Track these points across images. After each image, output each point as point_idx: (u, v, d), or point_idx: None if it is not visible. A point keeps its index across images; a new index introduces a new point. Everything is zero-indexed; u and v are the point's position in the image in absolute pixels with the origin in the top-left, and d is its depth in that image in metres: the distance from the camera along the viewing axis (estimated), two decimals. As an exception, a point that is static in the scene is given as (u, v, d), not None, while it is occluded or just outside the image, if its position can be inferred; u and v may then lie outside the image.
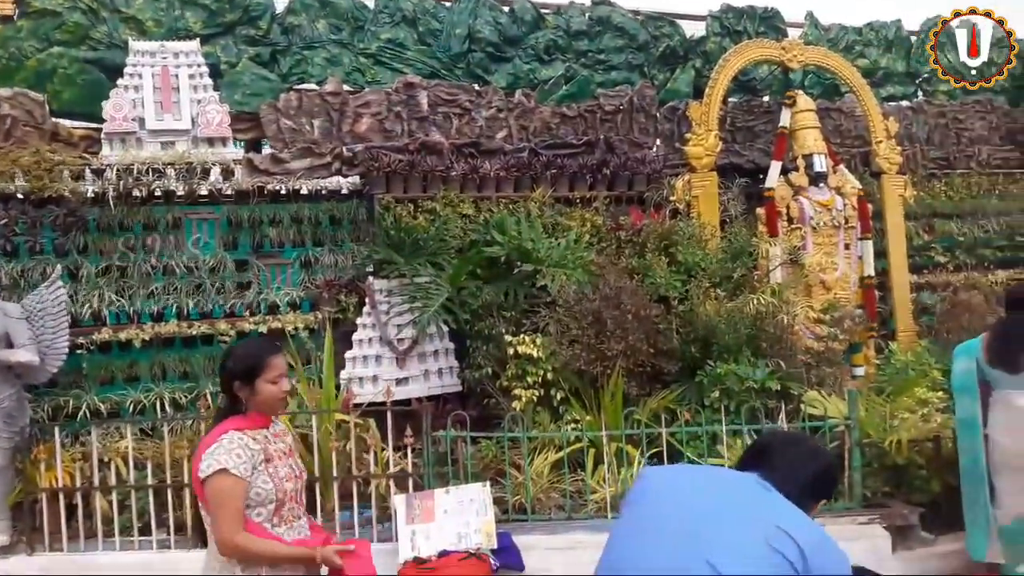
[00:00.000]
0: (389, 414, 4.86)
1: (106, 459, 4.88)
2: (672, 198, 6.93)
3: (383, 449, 4.94)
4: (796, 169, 7.13)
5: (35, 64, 6.59)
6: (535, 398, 5.56)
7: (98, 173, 6.10)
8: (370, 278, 6.15)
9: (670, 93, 8.12)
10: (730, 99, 7.79)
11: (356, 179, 6.57)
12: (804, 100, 7.38)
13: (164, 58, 6.54)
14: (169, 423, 5.17)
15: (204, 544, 2.64)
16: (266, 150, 6.83)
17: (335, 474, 4.80)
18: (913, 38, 9.21)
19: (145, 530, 4.75)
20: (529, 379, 5.58)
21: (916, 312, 7.58)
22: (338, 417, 5.14)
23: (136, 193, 6.05)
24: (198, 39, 6.78)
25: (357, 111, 6.92)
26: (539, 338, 5.67)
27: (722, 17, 8.49)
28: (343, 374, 5.90)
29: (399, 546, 4.37)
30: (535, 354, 5.58)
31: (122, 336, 5.78)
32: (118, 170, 6.05)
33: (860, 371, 6.80)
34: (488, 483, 4.65)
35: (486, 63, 7.73)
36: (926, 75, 9.03)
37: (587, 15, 8.12)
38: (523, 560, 4.42)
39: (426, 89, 7.10)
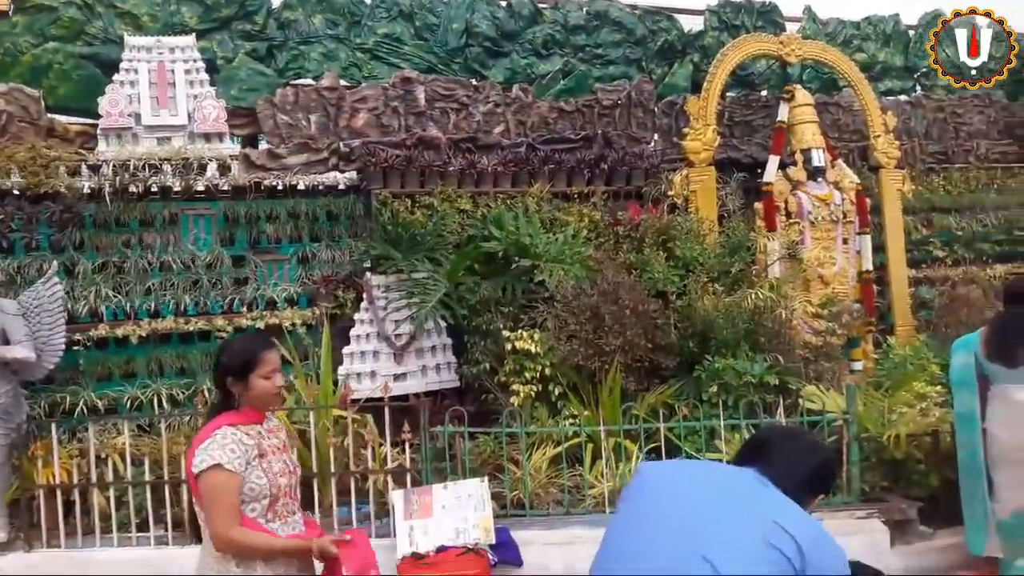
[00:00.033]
0: (387, 410, 4.85)
1: (103, 455, 4.87)
2: (670, 193, 6.92)
3: (381, 445, 4.94)
4: (794, 164, 7.12)
5: (30, 59, 6.57)
6: (533, 393, 5.56)
7: (94, 169, 6.08)
8: (367, 274, 6.14)
9: (668, 88, 8.11)
10: (728, 94, 7.78)
11: (353, 174, 6.56)
12: (802, 94, 7.37)
13: (160, 53, 6.52)
14: (166, 419, 5.17)
15: (200, 540, 2.63)
16: (263, 145, 6.81)
17: (333, 470, 4.79)
18: (911, 32, 9.20)
19: (143, 526, 4.74)
20: (527, 374, 5.58)
21: (914, 306, 7.58)
22: (336, 413, 5.13)
23: (132, 189, 6.04)
24: (194, 34, 6.76)
25: (354, 106, 6.90)
26: (537, 333, 5.67)
27: (720, 11, 8.48)
28: (341, 370, 5.89)
29: (397, 542, 4.37)
30: (533, 349, 5.58)
31: (119, 332, 5.78)
32: (114, 166, 6.04)
33: (858, 365, 6.80)
34: (486, 478, 4.66)
35: (483, 58, 7.71)
36: (924, 69, 9.01)
37: (584, 10, 8.10)
38: (521, 555, 4.43)
39: (423, 84, 7.08)
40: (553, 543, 4.50)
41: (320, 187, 6.53)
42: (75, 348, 5.63)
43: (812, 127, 7.19)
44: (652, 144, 7.52)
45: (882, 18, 9.13)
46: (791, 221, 6.97)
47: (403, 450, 4.86)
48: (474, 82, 7.40)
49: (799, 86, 7.61)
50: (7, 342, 5.02)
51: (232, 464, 2.46)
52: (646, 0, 8.38)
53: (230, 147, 6.58)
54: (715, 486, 2.05)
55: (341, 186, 6.58)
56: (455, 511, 4.44)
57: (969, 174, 8.58)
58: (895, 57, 9.08)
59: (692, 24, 8.47)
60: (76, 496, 4.85)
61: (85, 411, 5.42)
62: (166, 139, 6.38)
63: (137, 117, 6.36)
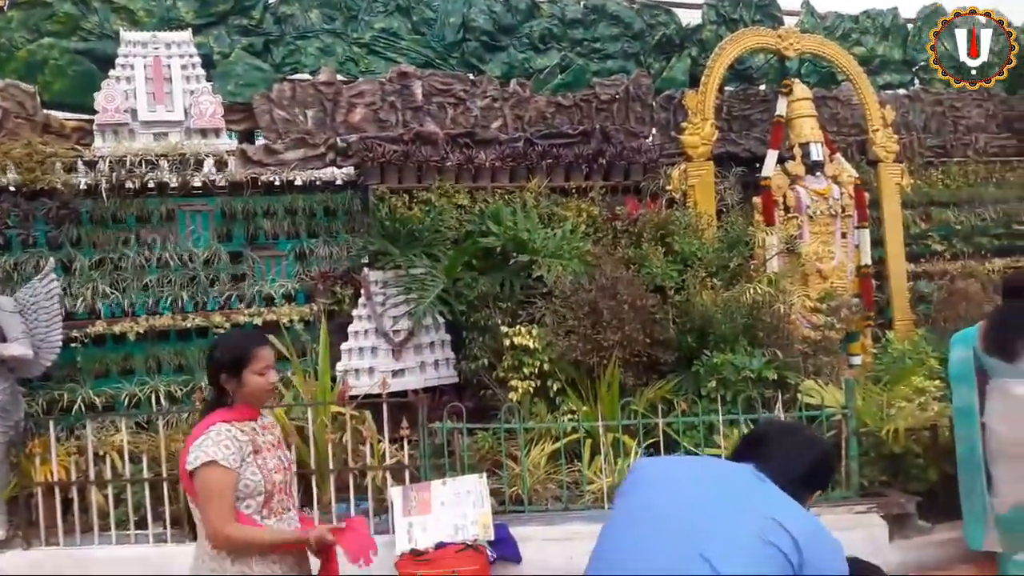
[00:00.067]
0: (385, 406, 4.84)
1: (101, 453, 4.87)
2: (668, 188, 6.91)
3: (379, 441, 4.93)
4: (793, 158, 7.11)
5: (26, 55, 6.53)
6: (531, 389, 5.55)
7: (91, 165, 6.06)
8: (365, 269, 6.13)
9: (666, 82, 8.08)
10: (726, 88, 7.75)
11: (350, 170, 6.53)
12: (800, 88, 7.35)
13: (156, 48, 6.48)
14: (164, 416, 5.16)
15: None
16: (260, 141, 6.78)
17: (331, 466, 4.79)
18: (910, 26, 9.17)
19: (141, 524, 4.74)
20: (525, 370, 5.57)
21: (913, 301, 7.58)
22: (334, 409, 5.13)
23: (129, 185, 6.01)
24: (190, 29, 6.72)
25: (351, 101, 6.87)
26: (535, 329, 5.66)
27: (718, 5, 8.44)
28: (339, 366, 5.88)
29: (396, 538, 4.37)
30: (531, 345, 5.57)
31: (116, 329, 5.77)
32: (111, 162, 6.01)
33: (857, 360, 6.79)
34: (485, 474, 4.65)
35: (481, 52, 7.68)
36: (923, 63, 8.99)
37: (582, 4, 8.06)
38: (520, 551, 4.43)
39: (420, 79, 7.05)
40: (552, 539, 4.49)
41: (317, 183, 6.51)
42: (72, 345, 5.62)
43: (810, 121, 7.18)
44: (650, 139, 7.50)
45: (880, 12, 9.10)
46: (789, 215, 6.96)
47: (401, 446, 4.86)
48: (471, 77, 7.37)
49: (797, 80, 7.60)
50: (4, 339, 5.01)
51: (227, 460, 2.46)
52: (644, -6, 8.36)
53: (227, 143, 6.56)
54: (712, 482, 2.04)
55: (338, 181, 6.55)
56: (454, 507, 4.44)
57: (968, 168, 8.58)
58: (893, 51, 9.05)
59: (690, 18, 8.44)
60: (74, 494, 4.85)
61: (83, 408, 5.42)
62: (162, 135, 6.36)
63: (133, 113, 6.33)
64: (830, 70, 8.28)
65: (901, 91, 8.90)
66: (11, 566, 4.63)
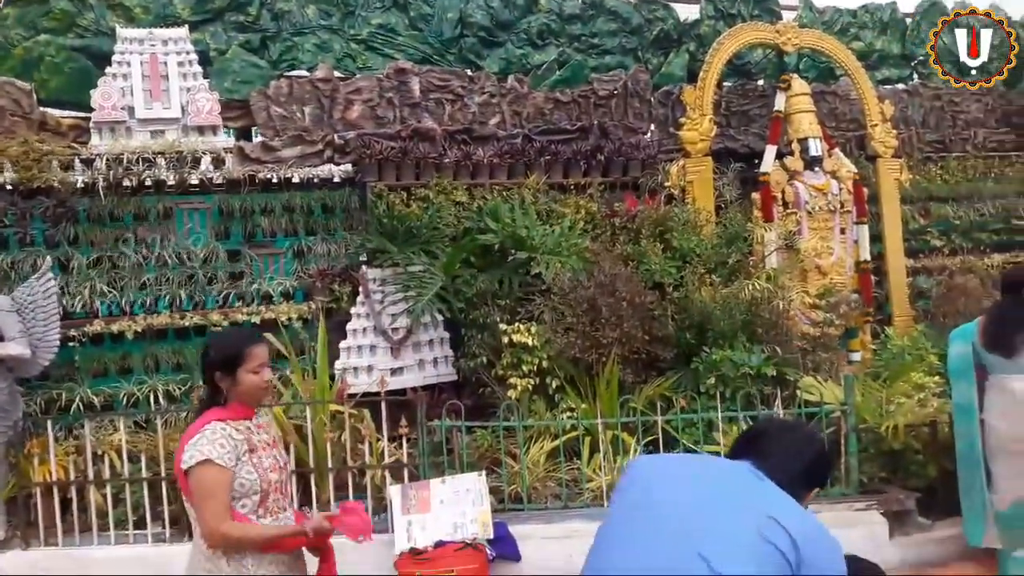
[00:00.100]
0: (384, 404, 4.84)
1: (100, 452, 4.88)
2: (667, 184, 6.89)
3: (378, 439, 4.92)
4: (791, 153, 7.09)
5: (22, 52, 6.52)
6: (530, 387, 5.54)
7: (87, 163, 6.05)
8: (363, 267, 6.12)
9: (664, 77, 8.07)
10: (725, 83, 7.74)
11: (348, 167, 6.52)
12: (799, 84, 7.33)
13: (152, 45, 6.47)
14: (163, 415, 5.14)
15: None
16: (257, 138, 6.77)
17: (330, 465, 4.78)
18: (908, 20, 9.15)
19: (140, 523, 4.74)
20: (524, 368, 5.56)
21: (912, 296, 7.57)
22: (333, 408, 5.13)
23: (126, 183, 6.00)
24: (186, 26, 6.71)
25: (348, 98, 6.85)
26: (534, 326, 5.65)
27: (716, 0, 8.42)
28: (337, 364, 5.87)
29: (395, 537, 4.36)
30: (530, 342, 5.56)
31: (114, 328, 5.76)
32: (108, 160, 6.01)
33: (856, 356, 6.78)
34: (484, 473, 4.65)
35: (478, 48, 7.67)
36: (921, 57, 8.98)
37: (580, -1, 8.06)
38: (519, 549, 4.42)
39: (418, 75, 7.03)
40: (551, 537, 4.49)
41: (315, 180, 6.49)
42: (70, 344, 5.62)
43: (809, 116, 7.15)
44: (648, 134, 7.49)
45: (879, 6, 9.09)
46: (788, 211, 6.95)
47: (400, 445, 4.85)
48: (469, 73, 7.36)
49: (796, 75, 7.57)
50: (1, 339, 5.00)
51: (222, 459, 2.45)
52: (641, -11, 8.34)
53: (224, 140, 6.56)
54: (709, 480, 2.03)
55: (336, 179, 6.54)
56: (453, 506, 4.44)
57: (967, 163, 8.57)
58: (892, 45, 9.04)
59: (688, 13, 8.43)
60: (73, 493, 4.84)
61: (81, 408, 5.41)
62: (159, 132, 6.36)
63: (130, 110, 6.32)
64: (829, 65, 8.27)
65: (900, 86, 8.90)
66: (10, 566, 4.62)
